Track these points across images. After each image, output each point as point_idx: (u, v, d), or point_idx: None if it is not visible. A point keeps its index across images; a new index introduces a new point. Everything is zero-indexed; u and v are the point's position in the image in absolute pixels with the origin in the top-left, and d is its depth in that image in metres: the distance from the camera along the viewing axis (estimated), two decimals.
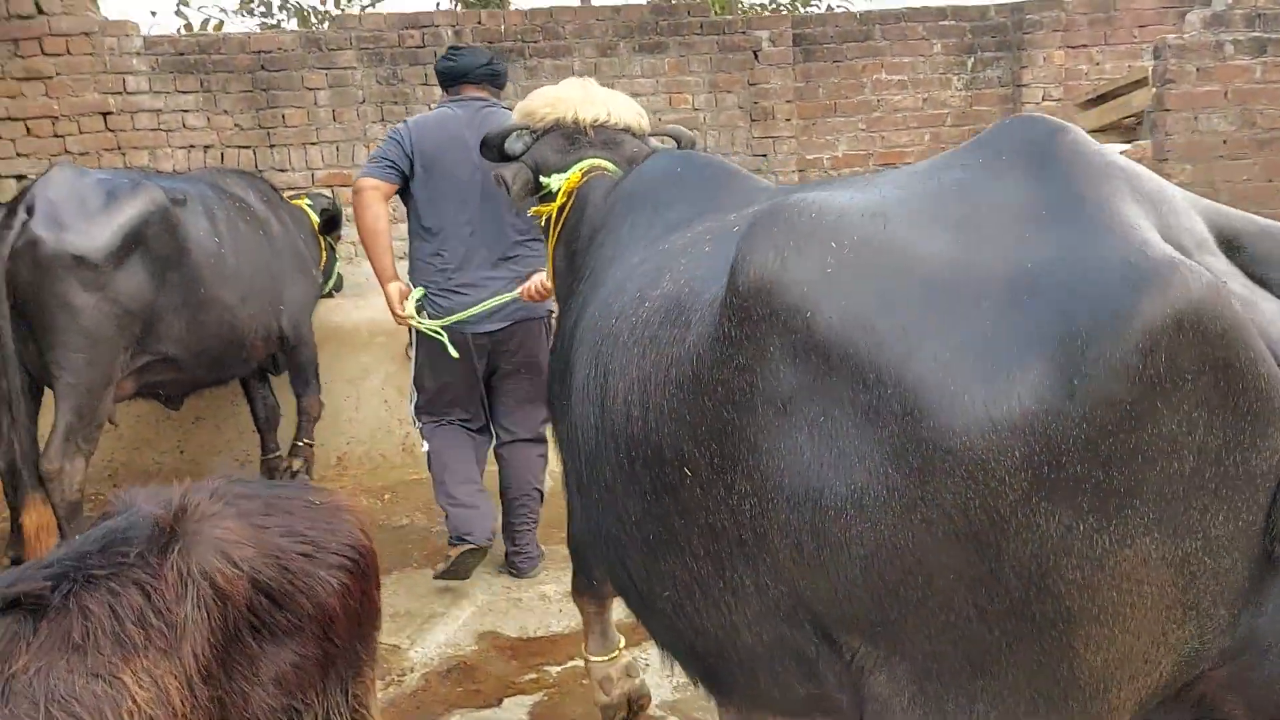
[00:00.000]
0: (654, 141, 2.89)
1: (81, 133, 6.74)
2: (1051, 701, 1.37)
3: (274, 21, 9.85)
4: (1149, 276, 1.25)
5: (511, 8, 7.08)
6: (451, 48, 4.82)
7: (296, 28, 8.54)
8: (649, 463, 1.76)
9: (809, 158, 7.52)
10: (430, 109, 6.96)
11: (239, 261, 5.12)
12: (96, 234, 4.48)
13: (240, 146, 6.92)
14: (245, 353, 5.27)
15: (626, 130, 2.86)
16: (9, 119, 6.65)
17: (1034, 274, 1.33)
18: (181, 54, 6.78)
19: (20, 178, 6.66)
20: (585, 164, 2.78)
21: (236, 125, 6.89)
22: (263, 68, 6.88)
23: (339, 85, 6.97)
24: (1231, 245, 1.46)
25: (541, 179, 2.84)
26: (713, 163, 2.49)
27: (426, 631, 4.13)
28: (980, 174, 1.51)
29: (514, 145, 2.87)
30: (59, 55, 6.63)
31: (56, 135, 6.72)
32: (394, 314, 4.38)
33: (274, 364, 5.68)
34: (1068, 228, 1.37)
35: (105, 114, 6.74)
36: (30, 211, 4.42)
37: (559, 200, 2.78)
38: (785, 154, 7.45)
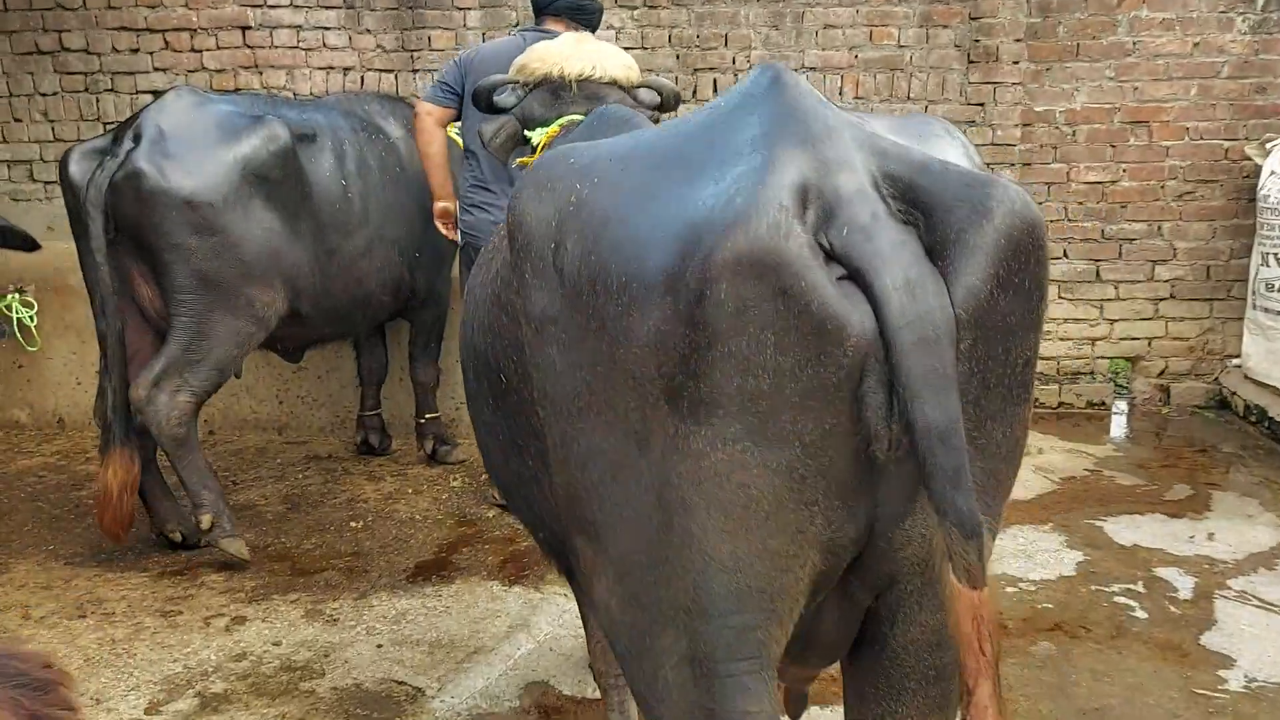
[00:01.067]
0: (643, 94, 2.88)
1: (219, 48, 6.27)
2: (711, 590, 1.57)
3: None
4: (727, 218, 1.45)
5: None
6: None
7: None
8: (485, 371, 2.09)
9: (1037, 110, 6.17)
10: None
11: (367, 206, 4.67)
12: (205, 171, 4.05)
13: (382, 70, 6.27)
14: (371, 308, 4.85)
15: (613, 84, 2.87)
16: (148, 30, 6.25)
17: (688, 214, 1.52)
18: None
19: (157, 93, 6.26)
20: (564, 119, 2.83)
21: (379, 46, 6.24)
22: None
23: (491, 5, 6.19)
24: (894, 180, 1.52)
25: (526, 132, 2.89)
26: (626, 119, 2.53)
27: (462, 673, 3.34)
28: (711, 117, 1.70)
29: (503, 98, 2.93)
30: None
31: (194, 50, 6.27)
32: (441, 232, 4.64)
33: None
34: (727, 170, 1.54)
35: (244, 28, 6.23)
36: (138, 139, 4.03)
37: (537, 153, 2.80)
38: (1007, 105, 6.14)
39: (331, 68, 6.28)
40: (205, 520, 4.01)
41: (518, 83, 2.94)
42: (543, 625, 3.63)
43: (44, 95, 6.31)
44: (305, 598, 3.86)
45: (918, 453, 1.42)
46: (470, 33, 6.22)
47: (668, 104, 3.01)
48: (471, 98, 3.04)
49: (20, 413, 5.88)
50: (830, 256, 1.46)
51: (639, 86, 3.00)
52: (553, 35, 3.95)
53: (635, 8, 6.16)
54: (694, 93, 6.23)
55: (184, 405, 4.02)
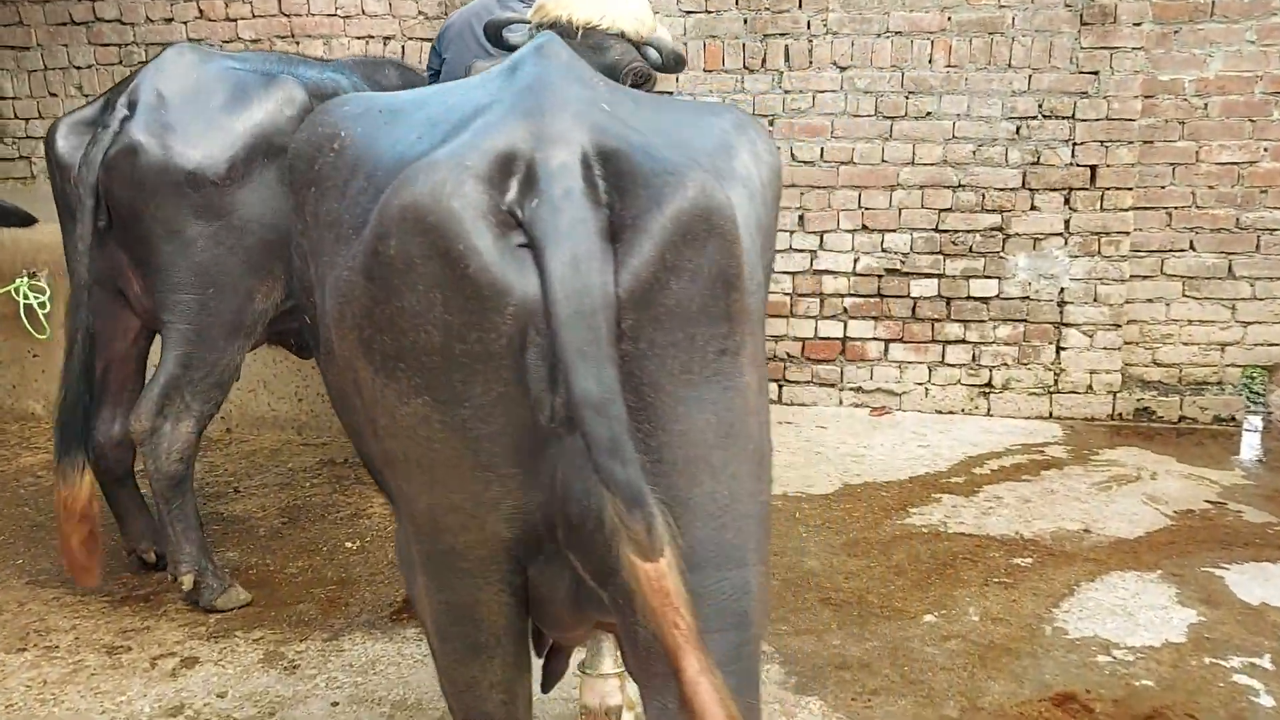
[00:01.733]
0: (650, 51, 2.67)
1: (254, 15, 5.87)
2: (422, 545, 1.69)
3: None
4: (409, 177, 1.50)
5: None
6: None
7: None
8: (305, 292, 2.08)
9: (1162, 79, 5.32)
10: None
11: None
12: (213, 141, 3.48)
13: (424, 39, 5.78)
14: None
15: (620, 35, 2.69)
16: None
17: (395, 171, 1.57)
18: None
19: None
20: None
21: (421, 13, 5.75)
22: None
23: None
24: (605, 160, 1.54)
25: None
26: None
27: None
28: (479, 80, 1.80)
29: (514, 36, 2.81)
30: None
31: (228, 19, 5.89)
32: None
33: None
34: (448, 133, 1.61)
35: None
36: (132, 108, 3.44)
37: None
38: (1126, 73, 5.30)
39: (370, 36, 5.83)
40: (186, 581, 3.54)
41: (526, 22, 2.79)
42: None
43: (78, 68, 6.03)
44: (270, 636, 3.41)
45: (575, 423, 1.46)
46: None
47: (667, 65, 2.77)
48: (483, 31, 2.99)
49: (35, 404, 5.62)
50: (520, 226, 1.50)
51: (645, 44, 2.82)
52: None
53: None
54: (763, 61, 5.57)
55: (187, 436, 3.54)
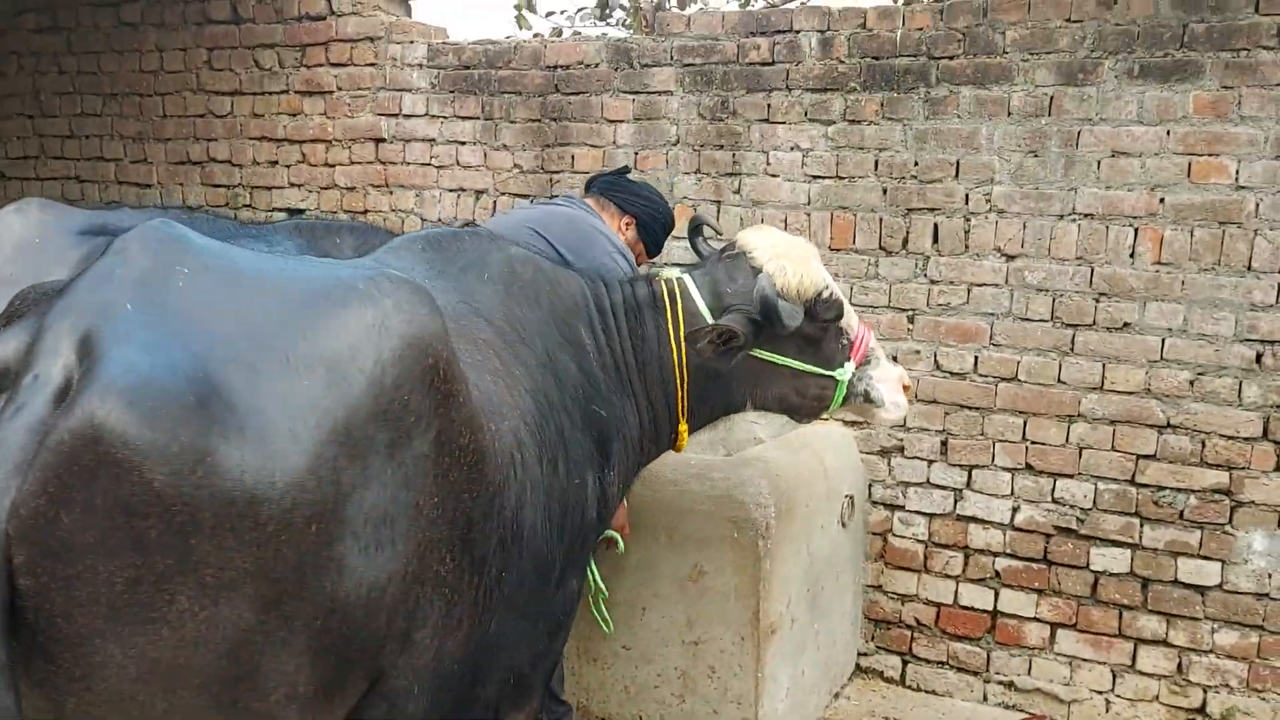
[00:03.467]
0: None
1: (352, 162, 5.39)
2: None
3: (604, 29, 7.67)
4: None
5: (919, 3, 4.26)
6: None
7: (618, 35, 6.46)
8: None
9: None
10: (768, 159, 4.53)
11: None
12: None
13: (516, 194, 5.04)
14: None
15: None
16: (286, 140, 5.52)
17: None
18: (466, 67, 5.08)
19: (296, 211, 5.51)
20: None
21: (516, 166, 5.02)
22: (556, 88, 4.92)
23: (647, 117, 4.76)
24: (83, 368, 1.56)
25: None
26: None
27: None
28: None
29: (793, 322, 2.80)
30: (342, 65, 5.34)
31: (328, 164, 5.45)
32: None
33: None
34: None
35: (378, 140, 5.31)
36: None
37: None
38: None
39: (463, 189, 5.16)
40: None
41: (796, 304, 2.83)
42: None
43: (190, 210, 5.77)
44: None
45: None
46: (620, 152, 4.82)
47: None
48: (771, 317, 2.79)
49: None
50: None
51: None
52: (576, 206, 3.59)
53: (831, 122, 4.43)
54: (904, 241, 4.35)
55: None
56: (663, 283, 2.88)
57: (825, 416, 3.12)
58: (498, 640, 2.24)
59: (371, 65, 5.27)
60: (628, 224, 3.63)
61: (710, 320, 2.76)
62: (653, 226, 3.66)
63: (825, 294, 2.86)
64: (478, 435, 2.01)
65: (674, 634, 3.63)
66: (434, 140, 5.19)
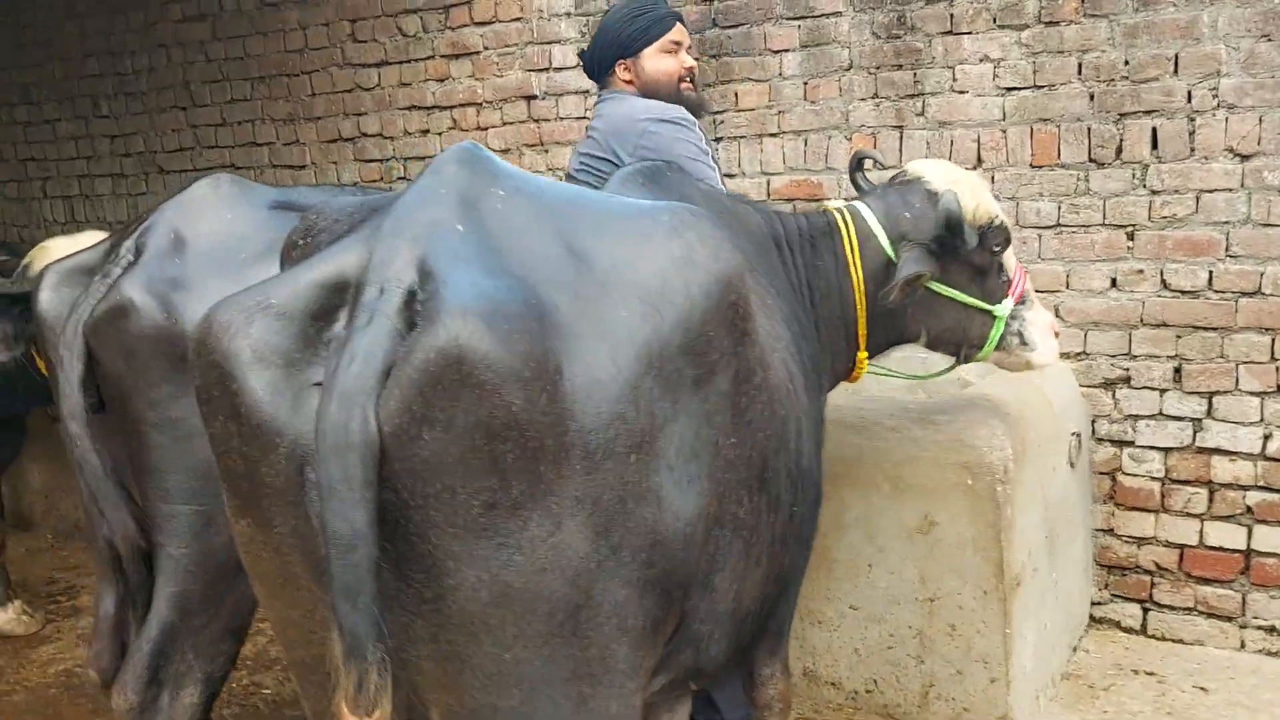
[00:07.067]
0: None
1: (504, 123, 5.23)
2: (283, 648, 1.86)
3: None
4: (208, 314, 1.59)
5: None
6: None
7: None
8: None
9: None
10: (954, 75, 4.18)
11: None
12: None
13: None
14: None
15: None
16: (436, 107, 5.39)
17: (211, 307, 1.64)
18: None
19: None
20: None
21: None
22: (714, 22, 4.64)
23: (815, 43, 4.44)
24: (426, 283, 1.53)
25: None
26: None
27: None
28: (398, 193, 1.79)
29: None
30: (487, 23, 5.16)
31: (479, 127, 5.30)
32: None
33: None
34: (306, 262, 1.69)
35: (529, 98, 5.12)
36: (138, 254, 2.68)
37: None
38: None
39: None
40: None
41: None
42: None
43: (343, 187, 5.71)
44: None
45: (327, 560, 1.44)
46: (787, 84, 4.51)
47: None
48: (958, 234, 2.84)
49: None
50: None
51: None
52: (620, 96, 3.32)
53: (1024, 26, 4.03)
54: (1118, 151, 3.93)
55: (193, 703, 2.67)
56: (835, 213, 2.88)
57: (979, 357, 3.02)
58: (789, 577, 2.25)
59: (517, 20, 5.08)
60: (627, 66, 3.26)
61: (888, 246, 2.79)
62: (630, 30, 3.23)
63: (997, 221, 2.88)
64: (768, 372, 1.99)
65: (905, 591, 3.36)
66: (588, 92, 4.96)
